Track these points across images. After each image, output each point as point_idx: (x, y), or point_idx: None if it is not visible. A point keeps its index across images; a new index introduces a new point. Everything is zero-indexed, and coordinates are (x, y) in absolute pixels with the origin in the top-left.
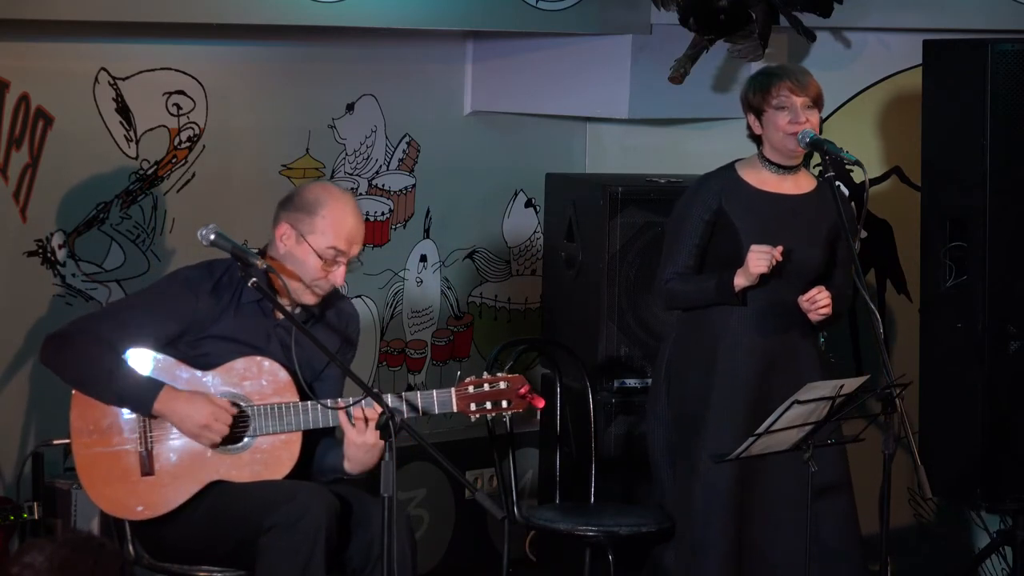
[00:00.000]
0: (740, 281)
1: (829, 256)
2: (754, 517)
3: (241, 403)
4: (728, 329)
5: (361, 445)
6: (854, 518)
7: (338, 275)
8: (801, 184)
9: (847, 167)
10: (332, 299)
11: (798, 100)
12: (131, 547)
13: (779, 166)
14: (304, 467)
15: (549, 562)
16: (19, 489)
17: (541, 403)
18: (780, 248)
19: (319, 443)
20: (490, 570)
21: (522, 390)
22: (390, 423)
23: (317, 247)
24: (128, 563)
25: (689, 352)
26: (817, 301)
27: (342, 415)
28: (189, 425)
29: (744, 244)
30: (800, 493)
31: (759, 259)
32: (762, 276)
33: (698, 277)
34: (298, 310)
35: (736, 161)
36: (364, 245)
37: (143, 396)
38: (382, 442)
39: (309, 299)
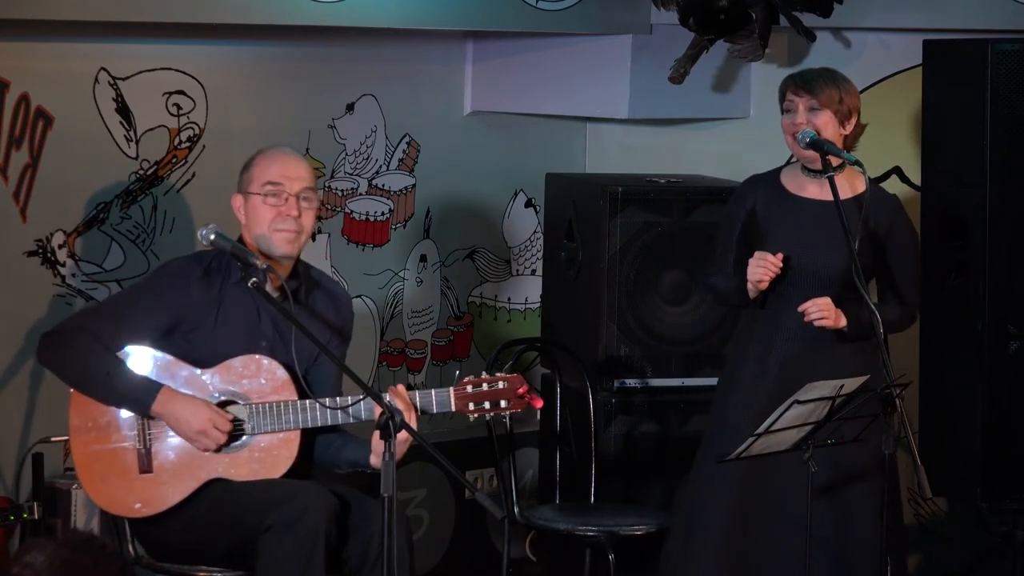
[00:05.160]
0: (749, 287)
1: (869, 261)
2: (772, 505)
3: (239, 401)
4: (767, 328)
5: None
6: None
7: (291, 206)
8: (842, 188)
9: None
10: (323, 283)
11: (800, 102)
12: (131, 547)
13: (808, 170)
14: (303, 466)
15: (549, 562)
16: (19, 489)
17: (539, 403)
18: (780, 256)
19: (326, 437)
20: (490, 570)
21: (520, 390)
22: (390, 423)
23: (256, 191)
24: (128, 563)
25: (735, 346)
26: (809, 313)
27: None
28: (185, 428)
29: (768, 248)
30: (826, 480)
31: (755, 267)
32: (779, 281)
33: (735, 277)
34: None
35: (787, 164)
36: (365, 245)
37: (142, 397)
38: (407, 436)
39: (282, 247)
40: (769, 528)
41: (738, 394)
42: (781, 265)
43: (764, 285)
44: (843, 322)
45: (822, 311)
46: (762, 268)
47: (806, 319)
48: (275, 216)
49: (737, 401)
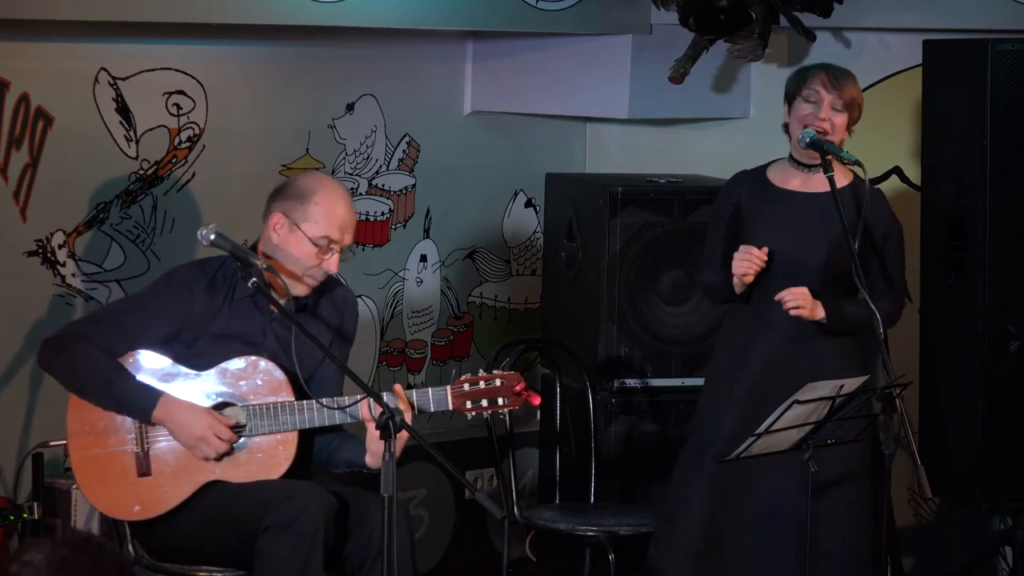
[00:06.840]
0: (735, 281)
1: (845, 253)
2: (754, 503)
3: (237, 403)
4: (751, 323)
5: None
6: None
7: (332, 263)
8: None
9: (847, 167)
10: (328, 286)
11: (827, 96)
12: (131, 547)
13: (801, 164)
14: (301, 466)
15: (549, 562)
16: (19, 489)
17: (537, 400)
18: (765, 250)
19: (325, 436)
20: (490, 570)
21: (517, 387)
22: (390, 423)
23: (311, 235)
24: (128, 563)
25: (719, 342)
26: (786, 302)
27: (364, 410)
28: (186, 435)
29: (752, 241)
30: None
31: (740, 261)
32: (763, 275)
33: (723, 273)
34: (291, 303)
35: (775, 160)
36: (365, 245)
37: (142, 404)
38: (406, 435)
39: (302, 290)
40: (746, 525)
41: (717, 388)
42: (765, 258)
43: (749, 279)
44: (820, 314)
45: (798, 300)
46: (746, 262)
47: (784, 307)
48: (314, 265)
49: (716, 396)
